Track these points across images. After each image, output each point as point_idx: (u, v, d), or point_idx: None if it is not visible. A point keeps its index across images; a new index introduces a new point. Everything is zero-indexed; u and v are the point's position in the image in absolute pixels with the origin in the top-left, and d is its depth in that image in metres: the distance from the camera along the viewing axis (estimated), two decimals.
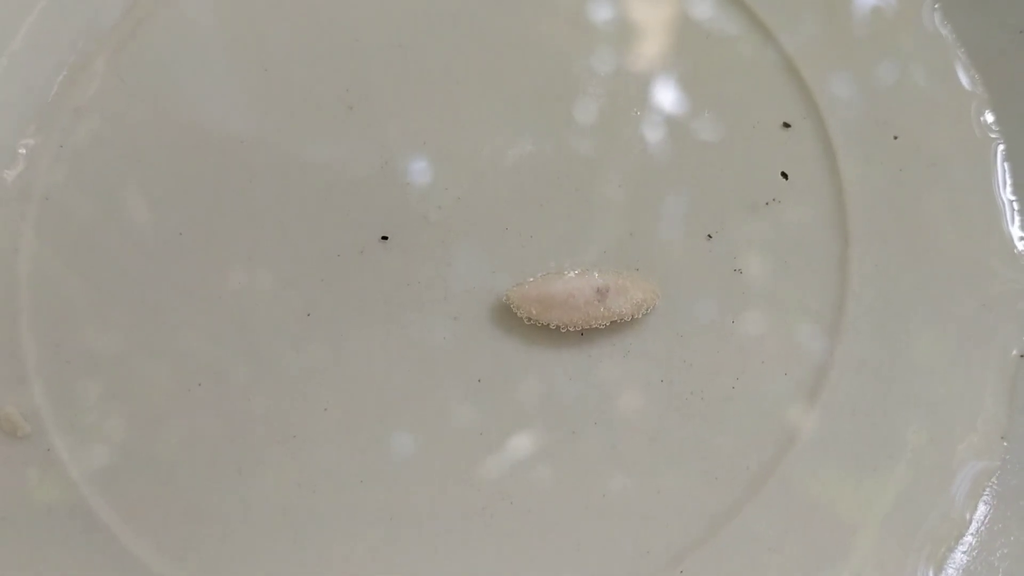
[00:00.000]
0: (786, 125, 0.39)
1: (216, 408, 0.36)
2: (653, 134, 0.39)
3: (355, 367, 0.36)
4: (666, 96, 0.39)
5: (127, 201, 0.38)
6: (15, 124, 0.39)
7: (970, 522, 0.35)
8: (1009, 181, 0.38)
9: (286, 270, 0.37)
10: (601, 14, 0.40)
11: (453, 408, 0.36)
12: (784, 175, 0.38)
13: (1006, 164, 0.38)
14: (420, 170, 0.38)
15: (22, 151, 0.39)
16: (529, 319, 0.36)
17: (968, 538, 0.35)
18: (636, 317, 0.36)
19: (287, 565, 0.35)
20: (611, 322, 0.36)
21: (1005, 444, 0.36)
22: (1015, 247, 0.37)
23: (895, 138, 0.39)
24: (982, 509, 0.35)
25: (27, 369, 0.37)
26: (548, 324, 0.36)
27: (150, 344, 0.37)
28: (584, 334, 0.37)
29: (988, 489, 0.35)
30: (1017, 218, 0.38)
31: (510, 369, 0.36)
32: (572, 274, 0.36)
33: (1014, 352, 0.36)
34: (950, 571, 0.35)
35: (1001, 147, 0.38)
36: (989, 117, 0.39)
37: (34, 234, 0.38)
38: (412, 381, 0.36)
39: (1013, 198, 0.38)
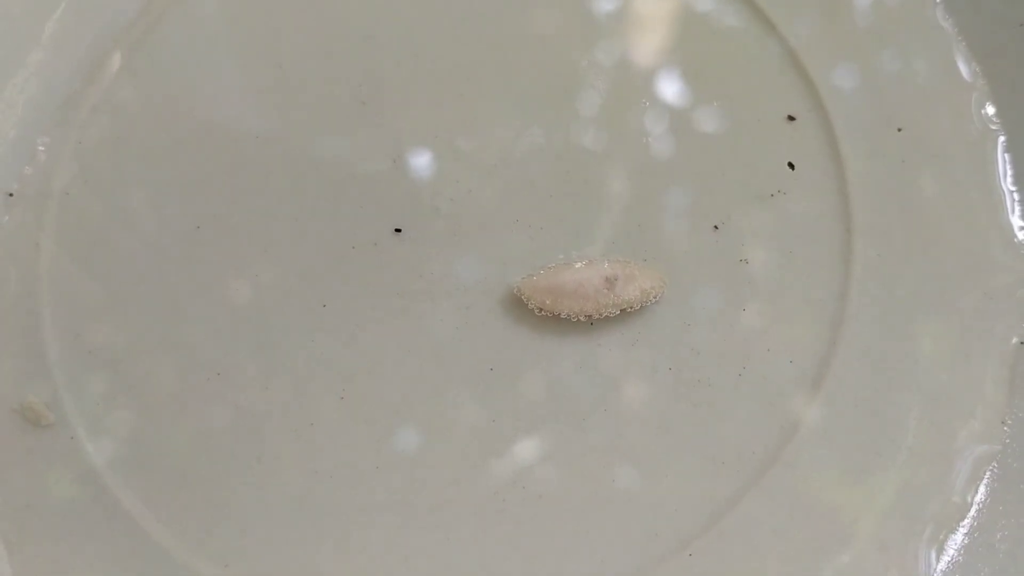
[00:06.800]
0: (791, 118, 0.39)
1: (234, 397, 0.37)
2: (660, 127, 0.39)
3: (370, 357, 0.37)
4: (672, 89, 0.40)
5: (144, 196, 0.39)
6: (35, 122, 0.40)
7: (971, 505, 0.36)
8: (1010, 172, 0.38)
9: (301, 263, 0.38)
10: (607, 10, 0.41)
11: (465, 397, 0.37)
12: (791, 165, 0.39)
13: (1006, 155, 0.39)
14: (432, 164, 0.39)
15: (41, 148, 0.40)
16: (540, 309, 0.37)
17: (969, 521, 0.35)
18: (644, 305, 0.37)
19: (304, 550, 0.36)
20: (620, 310, 0.37)
21: (1006, 428, 0.36)
22: (1015, 236, 0.38)
23: (899, 130, 0.39)
24: (983, 492, 0.36)
25: (49, 361, 0.38)
26: (558, 314, 0.37)
27: (169, 336, 0.38)
28: (593, 324, 0.37)
29: (989, 473, 0.36)
30: (1017, 208, 0.38)
31: (520, 359, 0.37)
32: (581, 264, 0.37)
33: (1014, 340, 0.37)
34: (952, 553, 0.35)
35: (1002, 139, 0.39)
36: (990, 109, 0.39)
37: (54, 229, 0.39)
38: (425, 370, 0.37)
39: (1013, 188, 0.38)
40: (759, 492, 0.36)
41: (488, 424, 0.37)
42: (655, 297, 0.37)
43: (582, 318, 0.37)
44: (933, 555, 0.35)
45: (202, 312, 0.38)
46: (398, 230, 0.38)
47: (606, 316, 0.37)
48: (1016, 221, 0.38)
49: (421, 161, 0.39)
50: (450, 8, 0.41)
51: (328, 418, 0.37)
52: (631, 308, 0.37)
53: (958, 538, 0.35)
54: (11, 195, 0.39)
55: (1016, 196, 0.38)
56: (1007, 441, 0.36)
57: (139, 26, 0.41)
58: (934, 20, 0.40)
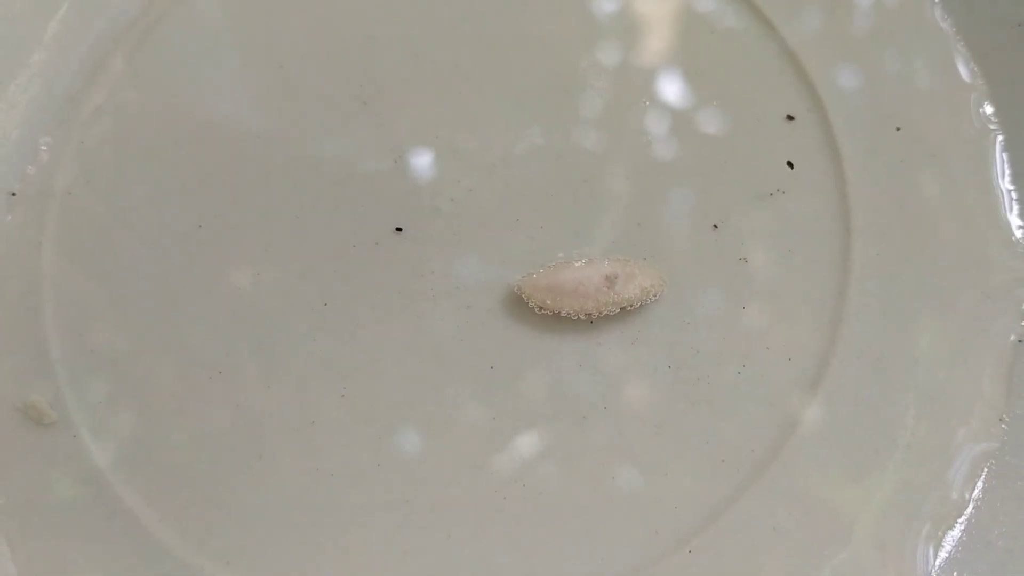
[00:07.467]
0: (790, 118, 0.40)
1: (236, 396, 0.37)
2: (659, 126, 0.39)
3: (371, 355, 0.37)
4: (672, 89, 0.40)
5: (146, 196, 0.39)
6: (37, 122, 0.40)
7: (969, 502, 0.36)
8: (1007, 171, 0.39)
9: (303, 262, 0.38)
10: (607, 10, 0.41)
11: (465, 396, 0.37)
12: (790, 164, 0.39)
13: (1004, 155, 0.39)
14: (432, 163, 0.39)
15: (43, 148, 0.40)
16: (540, 308, 0.37)
17: (967, 518, 0.36)
18: (644, 303, 0.37)
19: (305, 548, 0.36)
20: (620, 308, 0.37)
21: (1004, 426, 0.36)
22: (1013, 235, 0.38)
23: (897, 129, 0.39)
24: (981, 489, 0.36)
25: (52, 360, 0.38)
26: (558, 312, 0.37)
27: (170, 335, 0.38)
28: (593, 322, 0.37)
29: (987, 470, 0.36)
30: (1015, 207, 0.38)
31: (521, 357, 0.37)
32: (581, 263, 0.37)
33: (1012, 338, 0.37)
34: (950, 550, 0.35)
35: (1000, 138, 0.39)
36: (988, 109, 0.39)
37: (56, 229, 0.39)
38: (425, 369, 0.37)
39: (1011, 188, 0.39)
40: (758, 490, 0.36)
41: (488, 422, 0.37)
42: (655, 296, 0.37)
43: (582, 316, 0.37)
44: (931, 552, 0.35)
45: (203, 311, 0.38)
46: (399, 229, 0.38)
47: (606, 315, 0.37)
48: (1014, 220, 0.38)
49: (422, 161, 0.39)
50: (450, 8, 0.41)
51: (329, 417, 0.37)
52: (631, 306, 0.37)
53: (956, 535, 0.36)
54: (13, 195, 0.39)
55: (1014, 195, 0.38)
56: (1005, 439, 0.36)
57: (141, 26, 0.41)
58: (933, 20, 0.40)
